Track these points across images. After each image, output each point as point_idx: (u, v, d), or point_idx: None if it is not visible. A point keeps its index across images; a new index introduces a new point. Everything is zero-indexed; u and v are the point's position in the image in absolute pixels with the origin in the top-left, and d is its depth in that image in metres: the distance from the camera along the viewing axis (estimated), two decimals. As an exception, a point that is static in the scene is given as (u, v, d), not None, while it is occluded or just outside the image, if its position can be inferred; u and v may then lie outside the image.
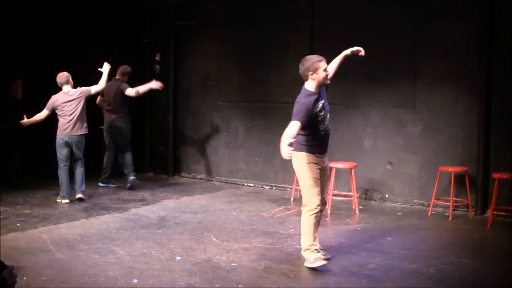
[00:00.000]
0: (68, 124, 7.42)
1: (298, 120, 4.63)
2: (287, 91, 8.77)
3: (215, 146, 9.61)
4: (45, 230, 6.00)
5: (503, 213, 6.69)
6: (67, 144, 7.44)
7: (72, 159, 7.56)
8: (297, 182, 8.02)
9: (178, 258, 5.09)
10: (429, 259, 5.18)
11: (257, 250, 5.33)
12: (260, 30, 9.04)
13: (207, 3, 9.61)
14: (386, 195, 7.92)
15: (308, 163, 4.81)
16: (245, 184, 9.18)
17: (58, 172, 7.48)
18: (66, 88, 7.54)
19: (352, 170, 7.43)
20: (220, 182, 9.40)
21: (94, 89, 7.76)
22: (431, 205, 7.24)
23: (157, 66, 10.06)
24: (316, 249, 4.84)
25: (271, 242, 5.64)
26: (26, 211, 6.85)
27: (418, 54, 7.58)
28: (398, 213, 7.24)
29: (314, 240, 4.85)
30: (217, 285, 4.38)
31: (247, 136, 9.24)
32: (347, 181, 7.86)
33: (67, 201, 7.43)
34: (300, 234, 4.82)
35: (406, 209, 7.50)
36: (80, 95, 7.55)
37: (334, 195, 7.52)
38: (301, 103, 4.74)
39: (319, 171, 4.87)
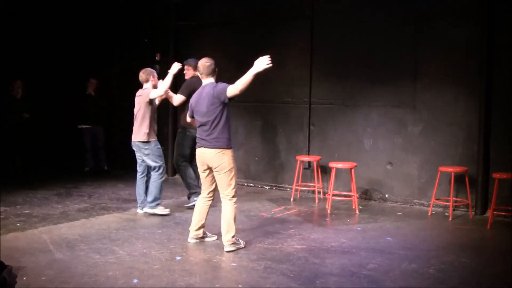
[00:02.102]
0: (134, 127, 6.79)
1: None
2: (287, 91, 8.78)
3: (215, 146, 9.60)
4: (45, 230, 5.99)
5: (503, 213, 6.69)
6: (136, 149, 6.86)
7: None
8: (297, 182, 8.05)
9: (178, 258, 5.10)
10: (429, 259, 5.18)
11: (257, 250, 5.33)
12: (260, 30, 9.04)
13: (207, 3, 9.61)
14: (386, 195, 7.92)
15: (233, 158, 5.34)
16: (245, 184, 9.18)
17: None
18: (146, 85, 6.84)
19: (352, 170, 7.43)
20: (220, 182, 9.38)
21: (153, 94, 6.62)
22: (431, 205, 7.24)
23: (157, 66, 10.06)
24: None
25: (271, 242, 5.64)
26: (26, 211, 6.85)
27: (418, 54, 7.58)
28: (398, 213, 7.24)
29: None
30: (217, 285, 4.38)
31: (247, 136, 9.24)
32: (347, 181, 7.86)
33: (139, 211, 6.93)
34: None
35: (406, 209, 7.50)
36: (140, 98, 6.74)
37: (334, 195, 7.52)
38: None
39: None
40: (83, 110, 10.01)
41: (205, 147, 5.31)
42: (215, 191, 5.56)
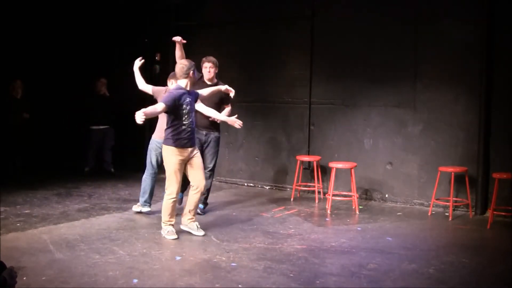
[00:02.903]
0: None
1: (164, 103, 5.43)
2: (287, 91, 8.78)
3: (215, 146, 9.60)
4: (45, 230, 5.99)
5: (503, 213, 6.69)
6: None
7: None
8: (297, 182, 8.06)
9: (178, 258, 5.10)
10: (429, 259, 5.18)
11: (257, 250, 5.33)
12: (260, 30, 9.04)
13: (207, 3, 9.61)
14: (386, 195, 7.92)
15: (172, 155, 5.59)
16: (245, 184, 9.18)
17: (144, 178, 6.87)
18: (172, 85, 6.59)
19: (352, 170, 7.43)
20: (220, 182, 9.39)
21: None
22: (431, 205, 7.24)
23: (157, 66, 10.06)
24: (172, 224, 5.76)
25: (271, 242, 5.65)
26: (26, 211, 6.85)
27: (418, 54, 7.58)
28: (398, 213, 7.24)
29: (171, 218, 5.75)
30: (217, 285, 4.38)
31: (247, 136, 9.24)
32: (347, 181, 7.86)
33: (148, 209, 6.83)
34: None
35: (406, 209, 7.50)
36: None
37: (334, 195, 7.52)
38: (170, 92, 5.68)
39: (183, 162, 5.67)
40: (91, 110, 9.83)
41: None
42: (193, 180, 5.81)
